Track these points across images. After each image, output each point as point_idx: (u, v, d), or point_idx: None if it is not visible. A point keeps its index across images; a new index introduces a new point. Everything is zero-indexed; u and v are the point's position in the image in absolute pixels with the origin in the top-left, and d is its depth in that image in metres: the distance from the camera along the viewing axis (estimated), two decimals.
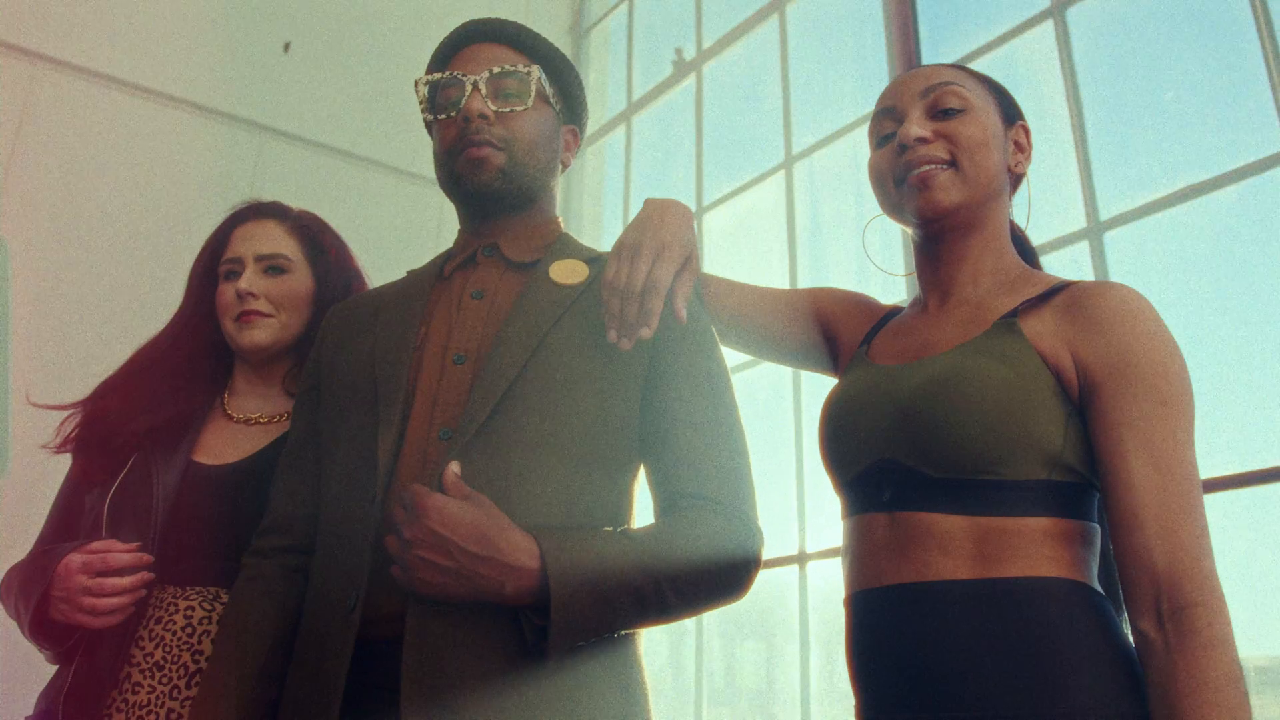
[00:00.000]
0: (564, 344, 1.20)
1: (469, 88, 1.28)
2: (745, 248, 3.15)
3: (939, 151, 1.23)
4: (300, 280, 1.62)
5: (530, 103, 1.30)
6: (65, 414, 1.64)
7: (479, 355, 1.21)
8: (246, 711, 1.15)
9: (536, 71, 1.31)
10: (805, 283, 2.87)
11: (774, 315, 1.43)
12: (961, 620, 1.06)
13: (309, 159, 3.36)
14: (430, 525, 1.04)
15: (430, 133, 1.41)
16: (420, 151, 3.54)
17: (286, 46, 3.37)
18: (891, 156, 1.27)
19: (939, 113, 1.25)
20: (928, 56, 2.67)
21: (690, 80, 3.51)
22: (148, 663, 1.40)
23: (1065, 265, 2.23)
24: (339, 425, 1.24)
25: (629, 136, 3.75)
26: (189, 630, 1.43)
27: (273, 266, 1.60)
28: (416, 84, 1.36)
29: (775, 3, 3.19)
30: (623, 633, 1.15)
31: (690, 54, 3.55)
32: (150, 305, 2.86)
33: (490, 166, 1.26)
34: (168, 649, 1.40)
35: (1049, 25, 2.41)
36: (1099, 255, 2.17)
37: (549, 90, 1.34)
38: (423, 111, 1.34)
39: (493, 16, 1.38)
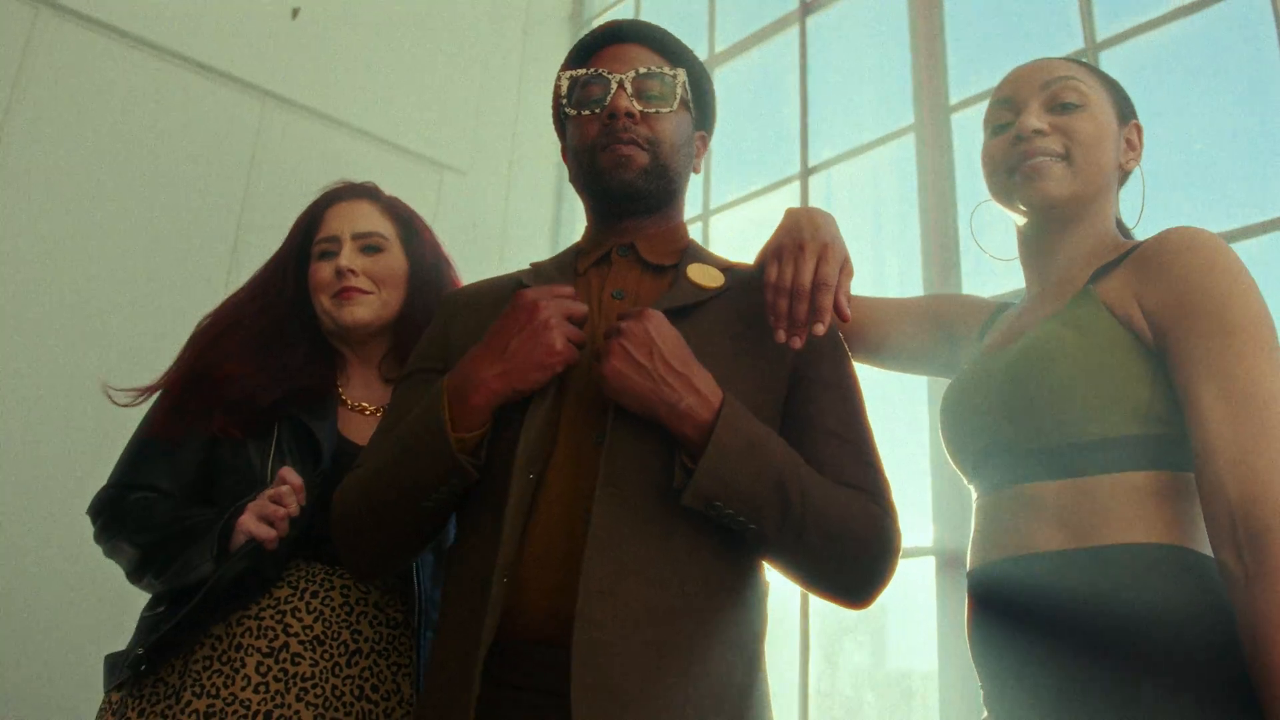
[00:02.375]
0: (714, 350, 1.22)
1: (614, 86, 1.29)
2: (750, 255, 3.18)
3: (1054, 144, 1.29)
4: (396, 259, 1.63)
5: (674, 105, 1.32)
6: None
7: None
8: None
9: (682, 75, 1.33)
10: None
11: (898, 323, 1.47)
12: (1053, 594, 1.09)
13: (311, 129, 3.29)
14: (646, 326, 1.12)
15: (560, 127, 1.42)
16: (423, 131, 3.50)
17: (295, 12, 3.29)
18: (1006, 145, 1.33)
19: (1057, 106, 1.30)
20: (955, 85, 2.73)
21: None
22: (307, 635, 1.40)
23: None
24: None
25: None
26: (346, 609, 1.44)
27: (370, 245, 1.61)
28: (558, 77, 1.36)
29: (796, 13, 3.22)
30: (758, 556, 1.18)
31: (702, 55, 3.56)
32: (143, 260, 2.79)
33: (635, 165, 1.29)
34: (327, 624, 1.41)
35: None
36: None
37: (689, 95, 1.35)
38: (563, 106, 1.34)
39: (637, 19, 1.39)
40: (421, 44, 3.57)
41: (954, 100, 2.72)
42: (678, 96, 1.32)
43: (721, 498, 1.09)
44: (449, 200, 3.54)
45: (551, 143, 3.91)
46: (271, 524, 1.35)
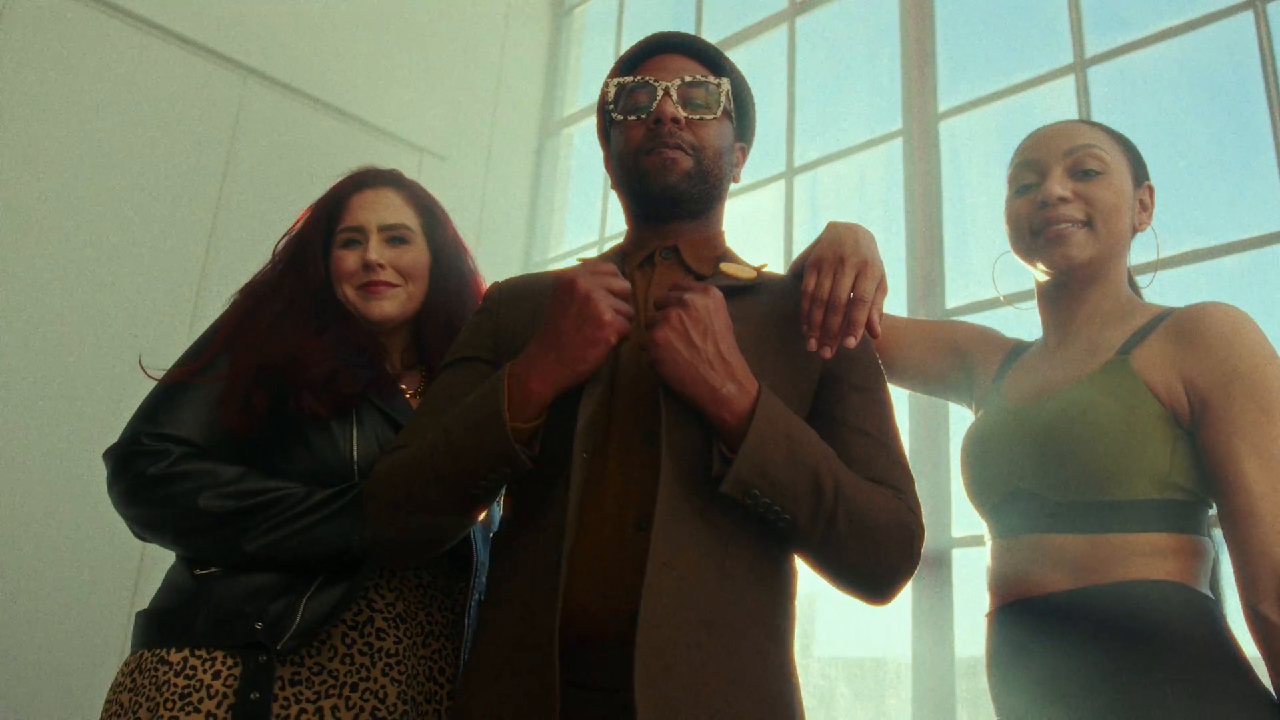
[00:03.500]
0: (752, 349, 1.25)
1: (660, 93, 1.33)
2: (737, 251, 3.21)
3: (1076, 212, 1.37)
4: (420, 251, 1.63)
5: (718, 113, 1.35)
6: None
7: None
8: None
9: (726, 84, 1.37)
10: None
11: (918, 345, 1.52)
12: (1063, 626, 1.19)
13: (293, 107, 3.24)
14: (707, 304, 1.16)
15: (604, 135, 1.44)
16: (404, 115, 3.47)
17: None
18: (1030, 207, 1.41)
19: (1079, 173, 1.39)
20: (944, 92, 2.79)
21: None
22: (390, 612, 1.42)
23: None
24: None
25: None
26: (420, 590, 1.47)
27: (396, 237, 1.60)
28: (605, 84, 1.39)
29: (786, 13, 3.25)
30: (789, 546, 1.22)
31: None
32: (120, 234, 2.74)
33: (679, 169, 1.32)
34: (407, 604, 1.44)
35: (1070, 80, 2.56)
36: None
37: (731, 105, 1.38)
38: (609, 111, 1.37)
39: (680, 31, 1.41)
40: (404, 28, 3.54)
41: (943, 108, 2.77)
42: (721, 105, 1.36)
43: (759, 486, 1.12)
44: (427, 185, 3.46)
45: (530, 131, 3.91)
46: None
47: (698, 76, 1.35)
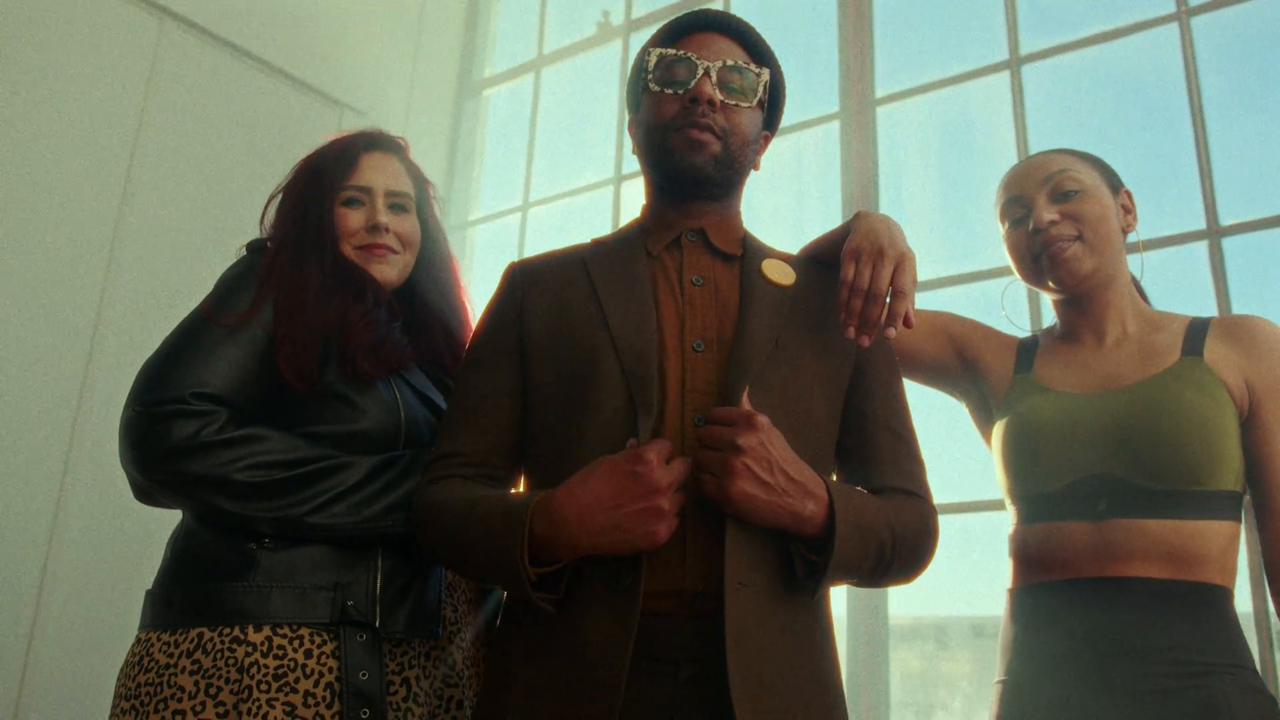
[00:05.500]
0: (792, 342, 1.29)
1: (700, 71, 1.33)
2: None
3: (1068, 230, 1.49)
4: (415, 223, 1.60)
5: (753, 102, 1.37)
6: None
7: (719, 344, 1.28)
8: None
9: (765, 75, 1.38)
10: None
11: (916, 333, 1.59)
12: (1161, 611, 1.32)
13: (212, 55, 3.08)
14: (762, 440, 1.13)
15: (634, 98, 1.44)
16: (325, 68, 3.35)
17: None
18: (1026, 237, 1.53)
19: (1060, 195, 1.51)
20: (881, 78, 2.88)
21: (616, 45, 3.53)
22: (443, 582, 1.44)
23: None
24: (573, 398, 1.26)
25: (537, 88, 3.72)
26: None
27: (398, 204, 1.58)
28: (646, 52, 1.38)
29: None
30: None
31: (617, 19, 3.57)
32: (30, 182, 2.57)
33: (708, 151, 1.33)
34: (453, 575, 1.45)
35: (1005, 76, 2.68)
36: (1035, 294, 2.47)
37: (766, 95, 1.40)
38: (647, 80, 1.37)
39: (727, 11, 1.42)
40: None
41: (880, 94, 2.87)
42: (758, 95, 1.37)
43: (840, 577, 1.20)
44: None
45: (448, 92, 3.83)
46: None
47: (739, 62, 1.35)
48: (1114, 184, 1.57)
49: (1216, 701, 1.27)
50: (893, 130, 2.84)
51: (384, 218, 1.53)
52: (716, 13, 1.41)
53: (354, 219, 1.54)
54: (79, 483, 2.56)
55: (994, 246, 2.57)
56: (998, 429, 1.50)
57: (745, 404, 1.17)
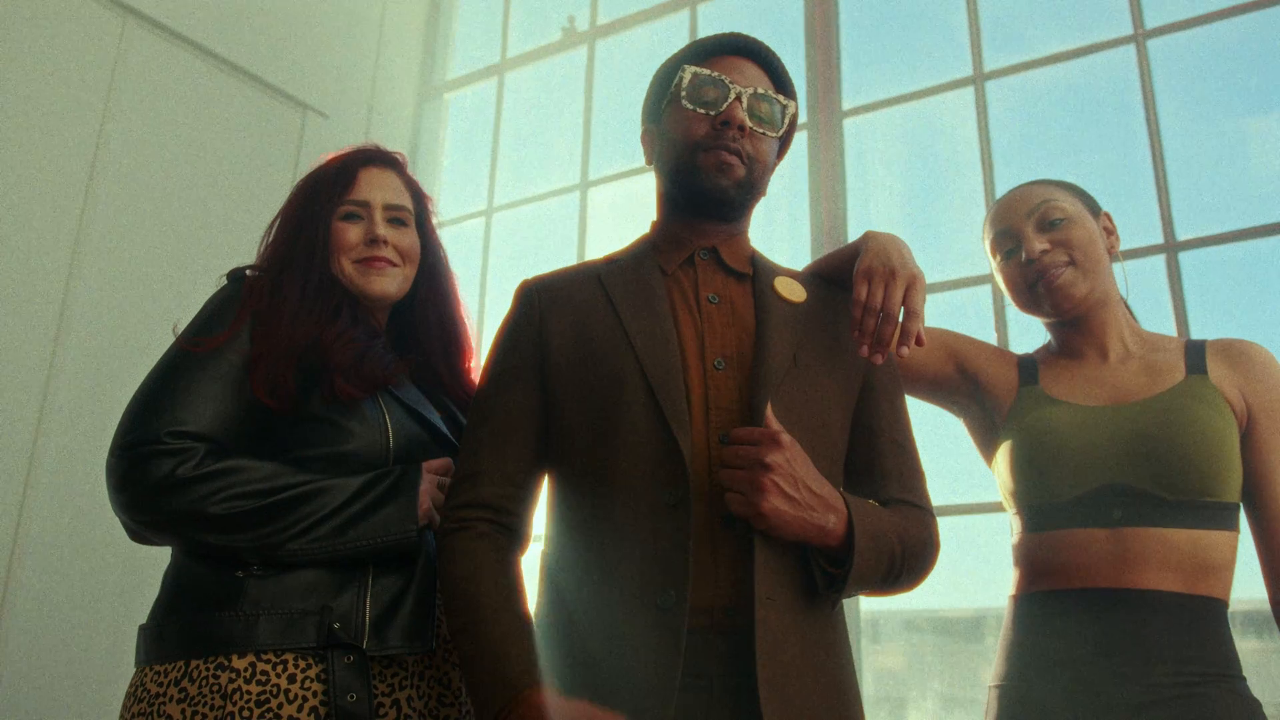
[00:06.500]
0: (809, 358, 1.33)
1: (733, 96, 1.36)
2: (633, 230, 3.27)
3: (1060, 256, 1.56)
4: (415, 238, 1.61)
5: (779, 132, 1.39)
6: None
7: (739, 361, 1.30)
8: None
9: (793, 107, 1.41)
10: None
11: (921, 351, 1.63)
12: (1171, 624, 1.39)
13: (175, 53, 3.03)
14: (788, 457, 1.17)
15: (655, 110, 1.46)
16: (288, 69, 3.31)
17: None
18: (1019, 268, 1.59)
19: (1047, 225, 1.57)
20: (848, 90, 2.94)
21: (581, 51, 3.55)
22: (439, 599, 1.42)
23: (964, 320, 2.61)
24: (601, 417, 1.27)
25: (500, 92, 3.72)
26: None
27: (397, 218, 1.59)
28: (679, 67, 1.40)
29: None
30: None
31: (582, 25, 3.59)
32: None
33: (734, 174, 1.36)
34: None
35: (970, 91, 2.76)
36: (1000, 302, 2.55)
37: (787, 128, 1.43)
38: (681, 97, 1.38)
39: (754, 37, 1.44)
40: None
41: (847, 105, 2.93)
42: (783, 126, 1.40)
43: (856, 588, 1.23)
44: (311, 143, 3.37)
45: (409, 94, 3.81)
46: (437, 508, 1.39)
47: (771, 92, 1.38)
48: (1094, 208, 1.64)
49: (1211, 709, 1.34)
50: (860, 142, 2.91)
51: (382, 230, 1.54)
52: (749, 39, 1.43)
53: (352, 233, 1.55)
54: (41, 489, 2.51)
55: (959, 257, 2.66)
56: (1006, 439, 1.55)
57: (772, 421, 1.20)
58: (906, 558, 1.27)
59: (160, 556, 1.44)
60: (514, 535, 1.30)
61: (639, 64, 3.48)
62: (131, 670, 1.39)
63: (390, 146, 1.69)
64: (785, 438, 1.18)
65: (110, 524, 1.42)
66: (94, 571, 2.53)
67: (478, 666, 1.17)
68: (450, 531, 1.29)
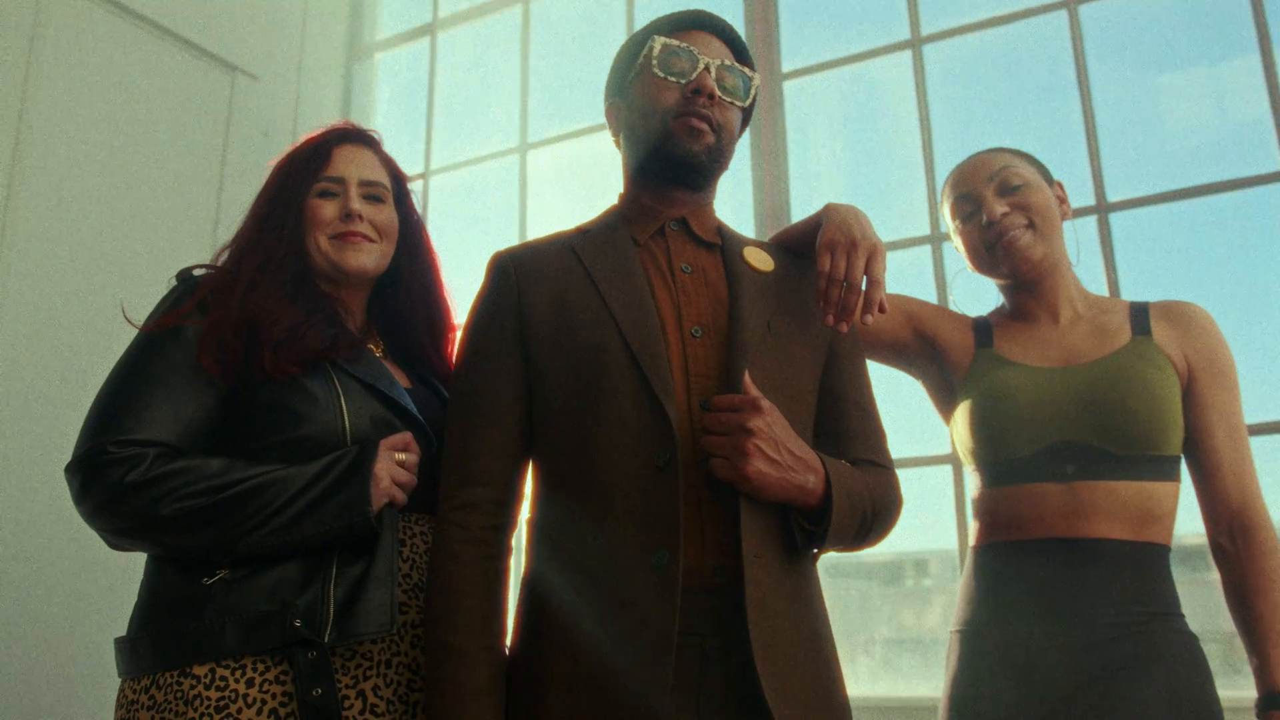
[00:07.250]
0: (781, 326, 1.38)
1: (702, 65, 1.39)
2: (574, 194, 3.27)
3: (1019, 220, 1.63)
4: (393, 214, 1.61)
5: (744, 103, 1.43)
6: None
7: (715, 329, 1.34)
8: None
9: (756, 79, 1.45)
10: None
11: (881, 317, 1.68)
12: (1119, 569, 1.49)
13: (98, 16, 2.92)
14: (769, 421, 1.22)
15: (621, 82, 1.48)
16: (216, 30, 3.21)
17: None
18: (978, 231, 1.65)
19: (1007, 189, 1.63)
20: (787, 53, 2.97)
21: (516, 10, 3.51)
22: (407, 584, 1.42)
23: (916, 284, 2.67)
24: (584, 387, 1.30)
25: (433, 52, 3.66)
26: (427, 556, 1.45)
27: (373, 195, 1.59)
28: (653, 39, 1.42)
29: None
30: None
31: None
32: None
33: (704, 141, 1.40)
34: (421, 573, 1.44)
35: (908, 55, 2.81)
36: (940, 263, 2.62)
37: (749, 100, 1.46)
38: (652, 67, 1.41)
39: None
40: None
41: (787, 69, 2.96)
42: (749, 97, 1.45)
43: (832, 546, 1.31)
44: (241, 106, 3.29)
45: (339, 54, 3.73)
46: (401, 485, 1.38)
47: (736, 65, 1.44)
48: (1048, 177, 1.72)
49: (1155, 644, 1.45)
50: (800, 104, 2.94)
51: (357, 205, 1.54)
52: (714, 16, 1.47)
53: (328, 209, 1.55)
54: None
55: (899, 218, 2.72)
56: (965, 400, 1.62)
57: (750, 387, 1.24)
58: (877, 514, 1.34)
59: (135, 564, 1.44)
60: (506, 530, 1.34)
61: (576, 24, 3.45)
62: (115, 681, 1.40)
63: (321, 109, 1.68)
64: (765, 403, 1.23)
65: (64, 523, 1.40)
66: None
67: (438, 695, 1.23)
68: (445, 532, 1.31)
